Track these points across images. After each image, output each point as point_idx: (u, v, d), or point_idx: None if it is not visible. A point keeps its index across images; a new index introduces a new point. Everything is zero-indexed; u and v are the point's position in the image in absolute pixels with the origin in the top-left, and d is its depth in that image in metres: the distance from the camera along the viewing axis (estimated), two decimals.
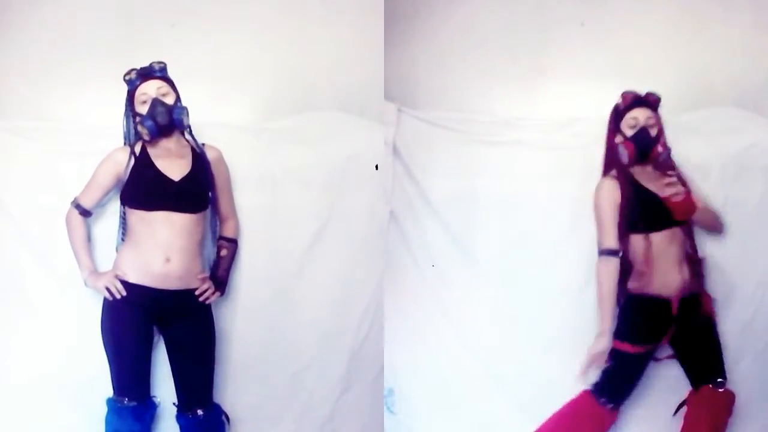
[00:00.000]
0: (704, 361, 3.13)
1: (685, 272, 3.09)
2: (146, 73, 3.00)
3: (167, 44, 3.47)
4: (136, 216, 2.96)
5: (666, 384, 3.22)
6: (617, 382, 3.10)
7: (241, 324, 3.31)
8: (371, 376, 3.40)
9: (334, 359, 3.38)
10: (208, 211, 3.08)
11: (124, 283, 2.95)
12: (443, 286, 3.42)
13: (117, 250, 3.06)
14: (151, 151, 2.99)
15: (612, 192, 3.11)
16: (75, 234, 3.04)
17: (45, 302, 3.18)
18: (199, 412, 3.04)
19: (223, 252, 3.16)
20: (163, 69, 3.02)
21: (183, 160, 3.01)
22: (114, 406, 2.99)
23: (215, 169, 3.08)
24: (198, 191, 3.01)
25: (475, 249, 3.41)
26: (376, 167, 3.40)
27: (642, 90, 3.14)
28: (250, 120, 3.50)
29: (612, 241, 3.08)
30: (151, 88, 2.98)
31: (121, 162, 2.98)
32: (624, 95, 3.13)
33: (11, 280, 3.20)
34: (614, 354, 3.06)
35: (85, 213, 3.03)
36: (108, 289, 2.94)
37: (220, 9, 3.53)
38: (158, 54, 3.42)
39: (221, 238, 3.18)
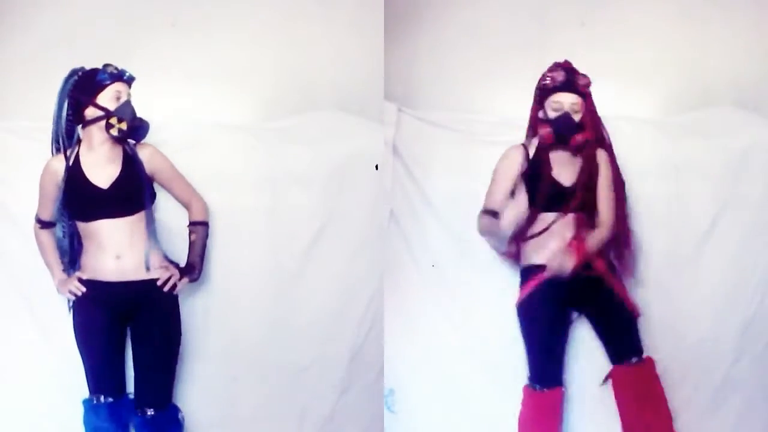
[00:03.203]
0: (613, 337, 3.15)
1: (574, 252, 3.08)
2: (120, 75, 2.98)
3: (167, 44, 3.47)
4: (81, 228, 3.00)
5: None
6: (535, 365, 3.14)
7: (241, 324, 3.31)
8: (371, 376, 3.40)
9: (334, 359, 3.38)
10: (152, 207, 3.07)
11: (86, 282, 2.99)
12: (443, 286, 3.42)
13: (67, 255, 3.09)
14: (83, 159, 2.98)
15: (515, 161, 3.15)
16: (43, 247, 3.09)
17: (44, 302, 3.18)
18: (150, 411, 2.99)
19: (192, 237, 3.14)
20: (133, 78, 3.01)
21: (113, 165, 3.00)
22: (90, 405, 3.01)
23: (151, 165, 3.05)
24: (129, 194, 2.99)
25: (475, 249, 3.40)
26: (376, 167, 3.40)
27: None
28: (250, 120, 3.50)
29: (496, 204, 3.12)
30: (125, 90, 2.99)
31: (58, 172, 2.98)
32: (553, 74, 3.10)
33: (11, 279, 3.20)
34: (525, 342, 3.15)
35: (48, 225, 3.06)
36: (71, 291, 3.00)
37: (220, 9, 3.53)
38: (158, 54, 3.44)
39: (190, 223, 3.15)
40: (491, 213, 3.13)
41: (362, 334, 3.39)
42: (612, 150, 3.19)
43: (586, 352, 3.26)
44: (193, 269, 3.11)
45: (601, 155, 3.16)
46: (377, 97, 3.43)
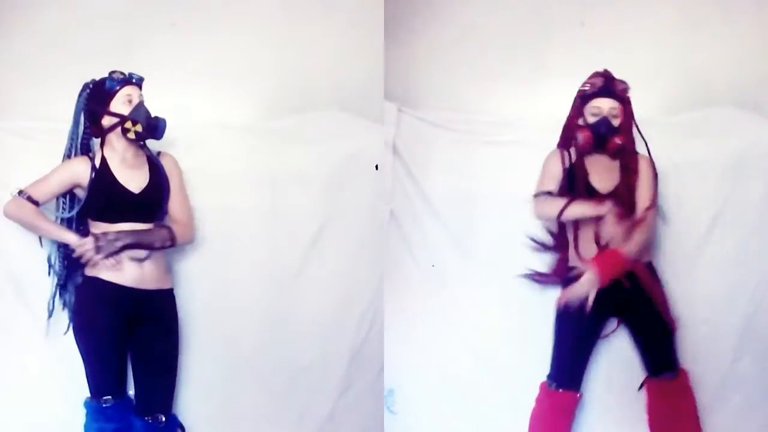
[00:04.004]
0: (650, 350, 3.15)
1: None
2: (128, 79, 3.00)
3: (167, 44, 3.47)
4: (100, 228, 2.99)
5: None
6: (559, 365, 3.15)
7: (241, 323, 3.32)
8: (371, 376, 3.40)
9: (334, 359, 3.38)
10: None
11: (101, 281, 2.97)
12: (443, 286, 3.42)
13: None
14: (111, 163, 3.01)
15: (558, 164, 3.18)
16: (32, 215, 2.99)
17: (44, 302, 3.17)
18: (162, 417, 3.02)
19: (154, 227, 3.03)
20: (142, 79, 3.03)
21: (140, 171, 3.04)
22: (97, 407, 3.00)
23: (169, 174, 3.09)
24: (157, 202, 3.04)
25: (475, 249, 3.41)
26: (376, 167, 3.40)
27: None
28: (250, 120, 3.50)
29: (550, 186, 3.16)
30: (135, 92, 3.00)
31: (81, 174, 2.99)
32: (592, 81, 3.12)
33: (10, 280, 3.20)
34: (555, 340, 3.15)
35: (34, 203, 3.01)
36: (101, 247, 2.93)
37: (220, 8, 3.54)
38: (158, 54, 3.44)
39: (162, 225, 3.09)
40: (547, 193, 3.15)
41: (362, 334, 3.40)
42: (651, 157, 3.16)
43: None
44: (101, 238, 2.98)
45: (643, 161, 3.13)
46: (377, 97, 3.43)
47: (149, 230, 2.99)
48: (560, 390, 3.14)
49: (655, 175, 3.14)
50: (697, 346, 3.27)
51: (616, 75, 3.17)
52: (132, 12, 3.47)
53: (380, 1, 3.42)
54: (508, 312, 3.35)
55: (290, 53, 3.55)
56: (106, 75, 3.00)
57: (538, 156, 3.35)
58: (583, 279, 3.02)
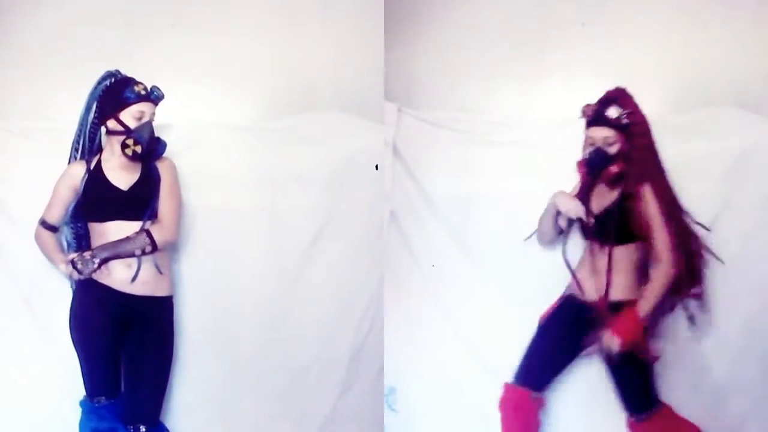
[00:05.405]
0: (622, 388, 3.12)
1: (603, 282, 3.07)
2: (147, 96, 3.00)
3: (167, 44, 3.48)
4: (93, 229, 3.02)
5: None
6: (529, 366, 3.16)
7: (241, 324, 3.32)
8: (371, 375, 3.40)
9: (334, 359, 3.39)
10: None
11: (95, 283, 2.98)
12: (443, 286, 3.42)
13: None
14: (105, 165, 3.03)
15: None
16: (47, 244, 3.08)
17: (44, 303, 3.19)
18: (143, 428, 3.02)
19: (132, 234, 3.00)
20: (161, 97, 3.04)
21: (133, 170, 3.04)
22: (91, 407, 3.01)
23: (162, 175, 3.08)
24: (145, 199, 3.03)
25: (475, 249, 3.41)
26: (376, 167, 3.40)
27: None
28: (250, 120, 3.51)
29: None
30: (149, 110, 3.01)
31: (78, 176, 3.03)
32: (585, 110, 3.08)
33: (11, 279, 3.20)
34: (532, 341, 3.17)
35: (52, 229, 3.07)
36: (79, 269, 2.95)
37: (220, 9, 3.54)
38: (158, 54, 3.44)
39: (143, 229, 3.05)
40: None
41: (362, 333, 3.40)
42: (663, 182, 3.11)
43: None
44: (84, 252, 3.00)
45: (646, 189, 3.05)
46: (377, 97, 3.43)
47: (127, 239, 2.98)
48: (518, 386, 3.14)
49: (664, 206, 3.06)
50: (698, 346, 3.27)
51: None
52: (132, 12, 3.48)
53: (380, 1, 3.42)
54: (508, 311, 3.35)
55: (290, 53, 3.56)
56: (131, 77, 3.01)
57: (538, 156, 3.36)
58: (605, 340, 3.01)
